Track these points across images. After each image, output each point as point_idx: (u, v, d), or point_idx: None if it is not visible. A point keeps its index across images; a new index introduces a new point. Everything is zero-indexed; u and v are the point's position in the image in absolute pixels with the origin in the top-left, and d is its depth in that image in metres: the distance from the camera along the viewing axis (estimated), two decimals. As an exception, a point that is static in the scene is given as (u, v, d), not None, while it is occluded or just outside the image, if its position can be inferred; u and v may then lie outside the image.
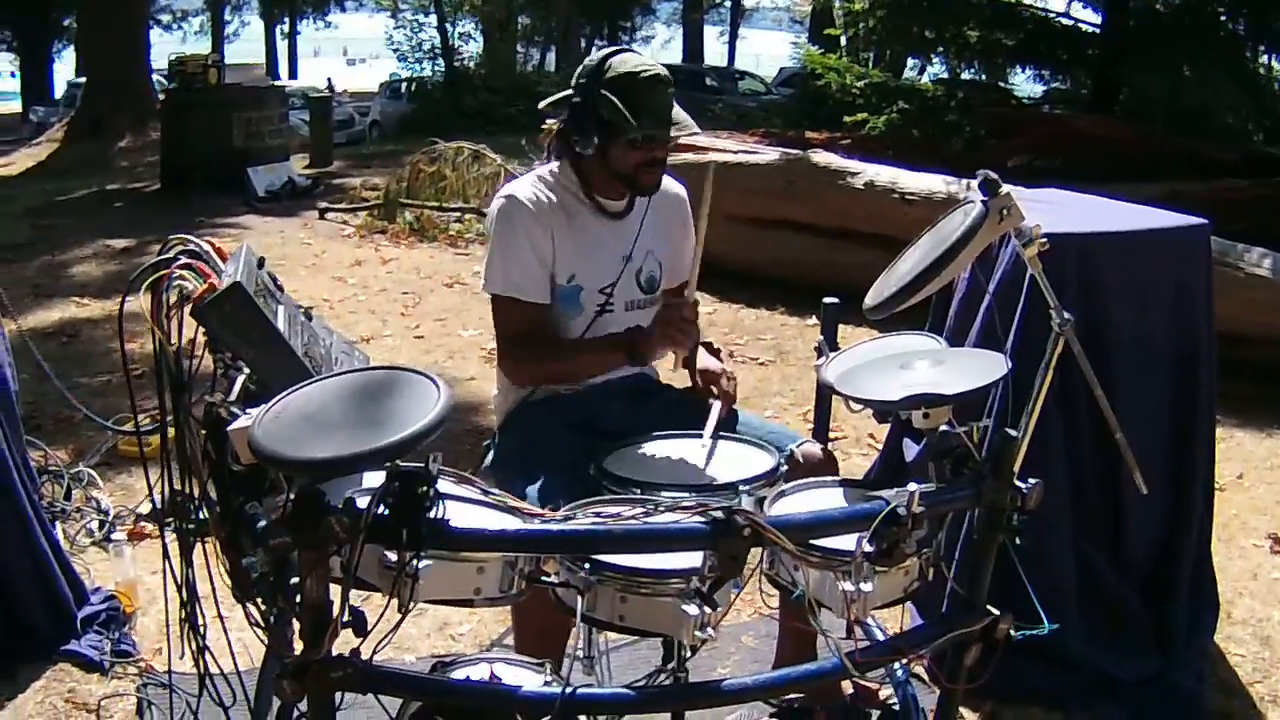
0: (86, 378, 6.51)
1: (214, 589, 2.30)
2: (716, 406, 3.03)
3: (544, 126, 3.18)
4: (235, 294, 2.15)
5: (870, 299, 2.50)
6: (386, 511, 1.84)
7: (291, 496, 1.86)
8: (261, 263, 2.41)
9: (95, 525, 4.62)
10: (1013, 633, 2.42)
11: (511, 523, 2.05)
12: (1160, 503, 3.61)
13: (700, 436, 2.92)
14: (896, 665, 2.81)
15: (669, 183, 3.30)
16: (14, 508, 3.61)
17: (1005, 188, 2.36)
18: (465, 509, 2.07)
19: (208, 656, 2.45)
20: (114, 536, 4.31)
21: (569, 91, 3.05)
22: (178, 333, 2.26)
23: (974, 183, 2.43)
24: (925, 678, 3.28)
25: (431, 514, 1.86)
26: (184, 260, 2.24)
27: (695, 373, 3.22)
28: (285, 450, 1.83)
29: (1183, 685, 3.54)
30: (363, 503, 1.86)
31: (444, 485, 2.05)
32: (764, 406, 6.24)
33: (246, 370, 2.24)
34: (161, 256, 2.26)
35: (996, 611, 2.40)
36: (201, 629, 2.43)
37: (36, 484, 4.45)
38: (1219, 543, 4.53)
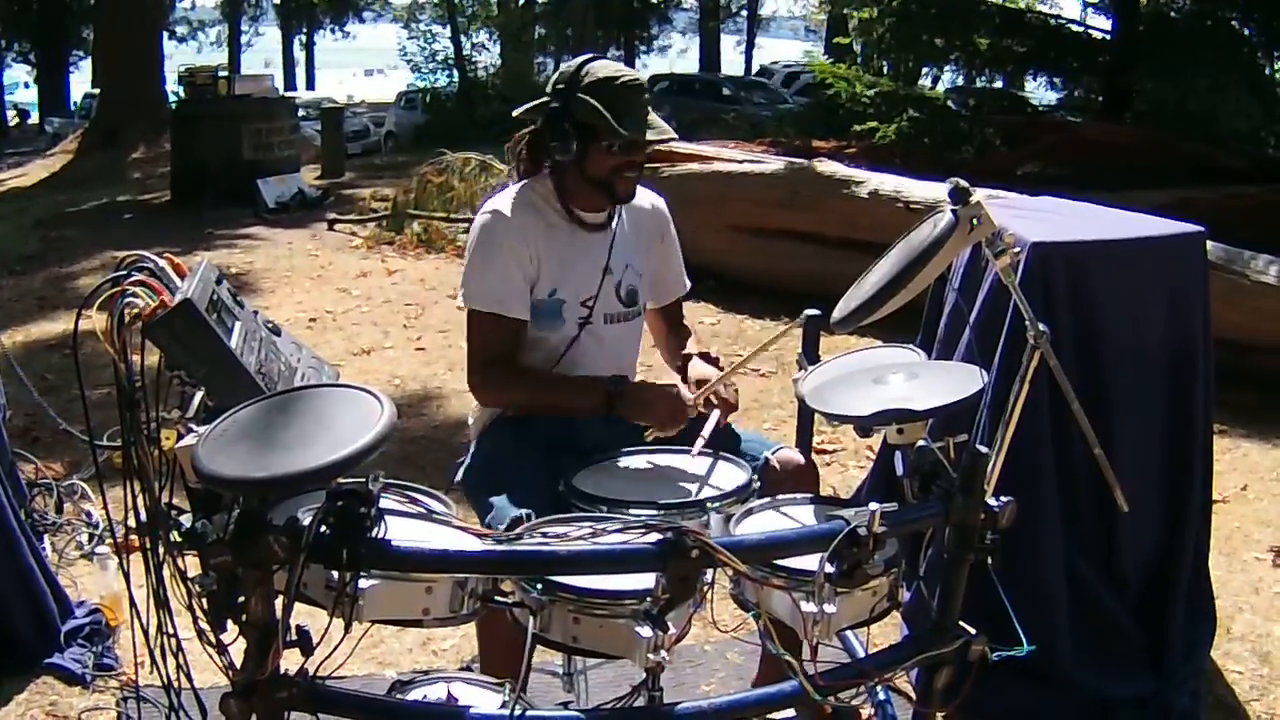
0: (87, 390, 6.46)
1: (162, 604, 2.27)
2: (714, 415, 2.98)
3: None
4: (184, 311, 2.12)
5: (838, 311, 2.45)
6: (327, 531, 1.80)
7: (234, 515, 1.84)
8: (221, 279, 2.37)
9: (85, 538, 4.61)
10: (990, 654, 2.36)
11: (455, 542, 2.01)
12: (1155, 517, 3.54)
13: (686, 450, 2.89)
14: (877, 684, 2.76)
15: (646, 195, 3.27)
16: (-2, 520, 3.59)
17: (976, 195, 2.30)
18: (412, 527, 2.03)
19: (182, 673, 2.42)
20: (98, 550, 4.28)
21: (545, 98, 3.02)
22: (138, 351, 2.24)
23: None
24: (911, 694, 3.23)
25: (373, 533, 1.82)
26: (138, 277, 2.20)
27: (691, 383, 3.15)
28: (224, 469, 1.80)
29: (1177, 705, 3.46)
30: (307, 521, 1.83)
31: (394, 503, 2.02)
32: (763, 418, 6.19)
33: (203, 387, 2.21)
34: (115, 274, 2.23)
35: (971, 631, 2.35)
36: (172, 644, 2.40)
37: (24, 497, 4.45)
38: (1220, 556, 4.47)
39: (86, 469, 5.18)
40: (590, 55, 3.08)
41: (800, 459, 3.02)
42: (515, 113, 3.13)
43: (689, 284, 3.42)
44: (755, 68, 43.97)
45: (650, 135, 2.97)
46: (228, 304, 2.33)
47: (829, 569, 2.04)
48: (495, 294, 2.99)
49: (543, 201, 3.09)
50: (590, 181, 3.03)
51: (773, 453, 2.95)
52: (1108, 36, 14.79)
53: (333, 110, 19.28)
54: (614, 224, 3.15)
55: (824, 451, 5.64)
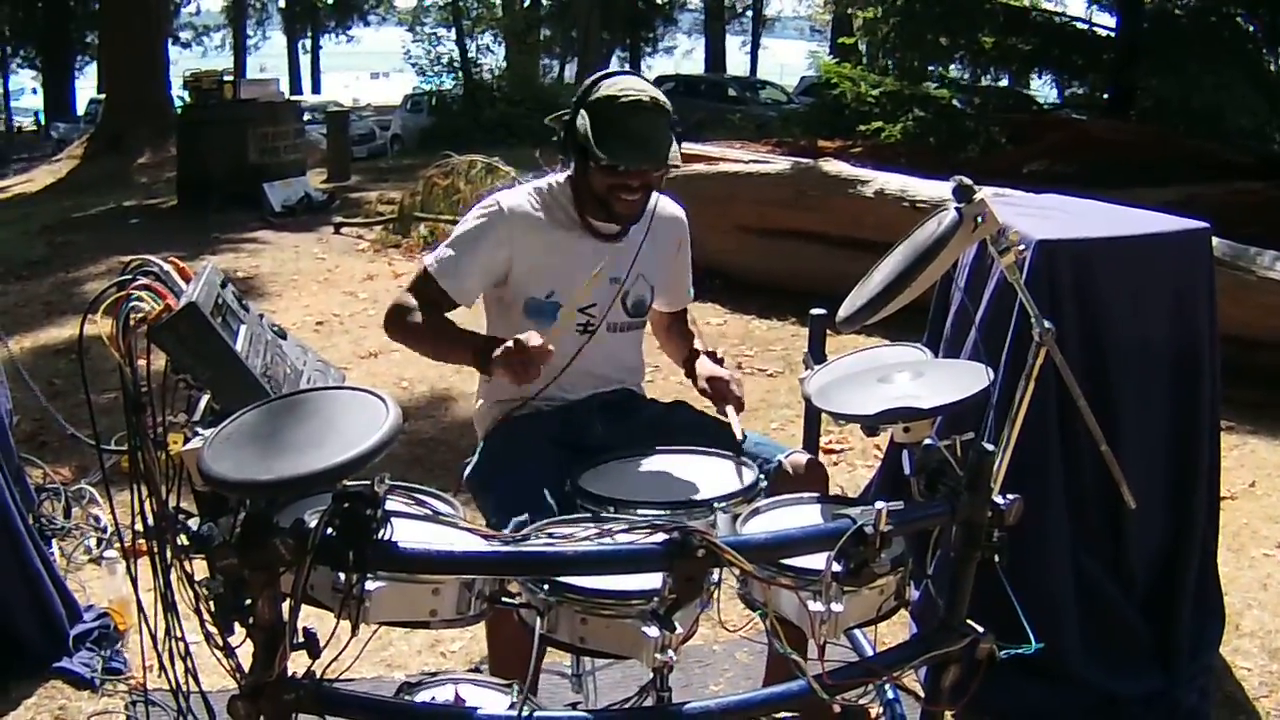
0: (94, 394, 6.47)
1: (170, 608, 2.27)
2: (732, 411, 3.01)
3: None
4: (190, 315, 2.12)
5: (843, 311, 2.46)
6: (334, 533, 1.81)
7: (241, 518, 1.84)
8: (226, 282, 2.37)
9: (93, 543, 4.61)
10: (997, 651, 2.36)
11: (462, 543, 2.01)
12: (1161, 513, 3.54)
13: (686, 450, 2.92)
14: (885, 683, 2.76)
15: (667, 204, 3.26)
16: (5, 526, 3.59)
17: (979, 193, 2.30)
18: (419, 529, 2.03)
19: (190, 676, 2.42)
20: (106, 554, 4.29)
21: (567, 110, 3.03)
22: (144, 355, 2.24)
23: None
24: (919, 692, 3.23)
25: (379, 535, 1.82)
26: (142, 281, 2.20)
27: (699, 380, 3.16)
28: (230, 472, 1.80)
29: (1185, 702, 3.46)
30: (313, 523, 1.83)
31: (400, 505, 2.01)
32: (770, 418, 6.18)
33: (209, 391, 2.21)
34: (120, 278, 2.23)
35: (978, 629, 2.34)
36: (180, 648, 2.40)
37: (32, 502, 4.46)
38: (1228, 552, 4.45)
39: (94, 473, 5.19)
40: (612, 70, 3.08)
41: (809, 462, 3.02)
42: (548, 120, 3.11)
43: (693, 295, 3.45)
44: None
45: (625, 164, 2.92)
46: (233, 307, 2.33)
47: (836, 568, 2.04)
48: (448, 267, 3.05)
49: (557, 202, 3.11)
50: (593, 195, 3.04)
51: (786, 456, 2.95)
52: (1112, 34, 14.76)
53: (338, 114, 19.33)
54: (634, 236, 3.12)
55: (831, 451, 5.64)
